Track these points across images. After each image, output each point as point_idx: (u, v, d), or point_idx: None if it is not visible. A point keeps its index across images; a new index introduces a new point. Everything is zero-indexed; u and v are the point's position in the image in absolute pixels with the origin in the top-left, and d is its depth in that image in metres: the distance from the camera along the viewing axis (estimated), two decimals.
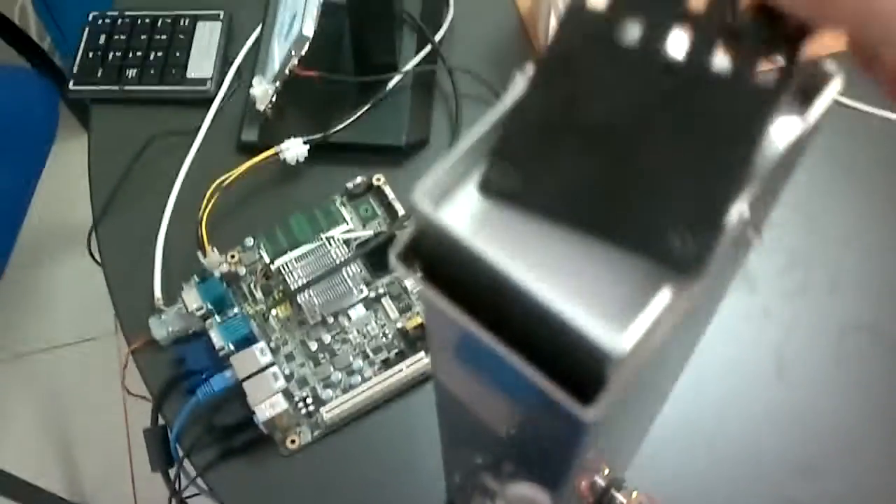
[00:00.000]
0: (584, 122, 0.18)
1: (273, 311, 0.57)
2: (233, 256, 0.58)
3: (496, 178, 0.18)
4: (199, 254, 0.57)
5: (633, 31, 0.19)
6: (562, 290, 0.16)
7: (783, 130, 0.19)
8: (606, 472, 0.43)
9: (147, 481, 0.55)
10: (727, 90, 0.18)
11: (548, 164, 0.18)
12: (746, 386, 0.54)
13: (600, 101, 0.18)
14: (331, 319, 0.56)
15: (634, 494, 0.45)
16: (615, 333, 0.16)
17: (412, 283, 0.57)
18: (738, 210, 0.17)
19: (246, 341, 0.54)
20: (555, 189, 0.17)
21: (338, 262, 0.56)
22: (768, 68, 0.18)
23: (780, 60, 0.18)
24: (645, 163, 0.17)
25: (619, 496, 0.43)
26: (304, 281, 0.55)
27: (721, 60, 0.18)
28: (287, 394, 0.53)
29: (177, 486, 0.54)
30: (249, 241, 0.59)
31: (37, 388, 1.32)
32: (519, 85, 0.19)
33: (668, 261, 0.16)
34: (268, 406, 0.51)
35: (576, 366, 0.17)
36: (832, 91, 0.20)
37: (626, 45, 0.19)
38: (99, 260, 0.62)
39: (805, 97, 0.20)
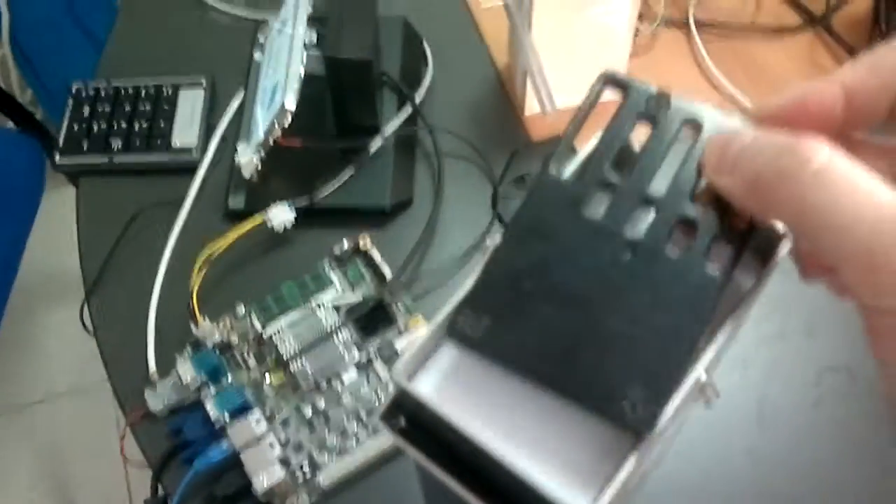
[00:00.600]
0: (550, 284, 0.20)
1: (267, 379, 0.58)
2: (225, 325, 0.59)
3: (463, 323, 0.19)
4: (192, 325, 0.58)
5: (598, 206, 0.20)
6: (531, 451, 0.18)
7: (735, 290, 0.21)
8: None
9: None
10: (680, 271, 0.19)
11: (513, 318, 0.19)
12: (728, 435, 0.56)
13: (566, 266, 0.20)
14: (324, 384, 0.57)
15: None
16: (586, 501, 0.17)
17: (402, 345, 0.58)
18: (696, 375, 0.18)
19: (241, 410, 0.55)
20: (518, 343, 0.19)
21: (328, 329, 0.57)
22: (718, 259, 0.20)
23: (729, 249, 0.20)
24: (605, 328, 0.19)
25: None
26: (297, 349, 0.57)
27: (676, 244, 0.20)
28: (284, 461, 0.54)
29: None
30: (241, 309, 0.60)
31: (35, 441, 1.32)
32: (491, 248, 0.20)
33: (620, 424, 0.18)
34: (265, 476, 0.53)
35: None
36: (783, 251, 0.21)
37: (592, 217, 0.20)
38: (91, 331, 0.63)
39: (757, 252, 0.21)
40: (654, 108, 0.22)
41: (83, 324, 0.65)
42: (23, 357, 1.39)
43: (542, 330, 0.19)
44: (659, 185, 0.21)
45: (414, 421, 0.20)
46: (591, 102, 0.23)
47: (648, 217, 0.20)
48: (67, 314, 1.39)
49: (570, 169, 0.22)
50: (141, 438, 0.58)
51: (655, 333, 0.19)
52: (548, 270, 0.20)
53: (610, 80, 0.23)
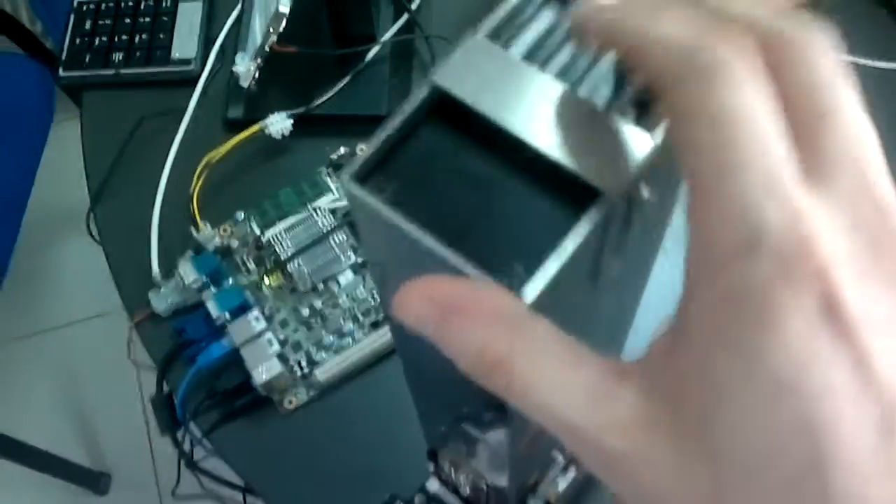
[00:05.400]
0: (461, 167, 0.20)
1: (265, 281, 0.59)
2: (225, 230, 0.61)
3: (372, 185, 0.20)
4: (193, 229, 0.60)
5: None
6: (474, 248, 0.19)
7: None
8: None
9: (164, 446, 0.59)
10: None
11: (419, 188, 0.20)
12: None
13: (480, 151, 0.20)
14: (321, 286, 0.59)
15: None
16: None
17: None
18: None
19: (241, 310, 0.57)
20: (420, 208, 0.19)
21: (325, 230, 0.59)
22: None
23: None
24: (504, 206, 0.19)
25: None
26: (294, 251, 0.58)
27: None
28: (282, 357, 0.56)
29: (185, 447, 0.58)
30: (240, 215, 0.62)
31: (52, 367, 1.36)
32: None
33: (509, 286, 0.18)
34: (264, 370, 0.54)
35: None
36: None
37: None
38: (98, 240, 0.65)
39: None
40: None
41: (89, 232, 0.66)
42: (36, 285, 1.42)
43: (444, 203, 0.20)
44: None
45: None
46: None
47: None
48: (78, 242, 1.42)
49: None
50: (146, 340, 0.61)
51: (547, 215, 0.19)
52: (463, 155, 0.20)
53: None
